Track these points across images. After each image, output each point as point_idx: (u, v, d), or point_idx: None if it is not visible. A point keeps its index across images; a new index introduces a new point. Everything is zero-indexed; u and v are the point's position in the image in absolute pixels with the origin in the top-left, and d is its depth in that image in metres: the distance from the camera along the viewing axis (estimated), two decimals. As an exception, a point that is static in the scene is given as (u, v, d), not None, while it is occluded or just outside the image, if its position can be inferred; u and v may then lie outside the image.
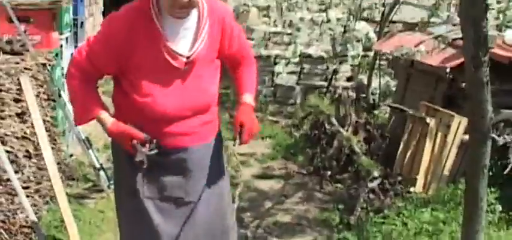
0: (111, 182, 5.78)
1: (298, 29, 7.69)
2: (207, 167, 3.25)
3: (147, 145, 3.02)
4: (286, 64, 8.06)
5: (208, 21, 3.08)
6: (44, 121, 5.17)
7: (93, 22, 9.40)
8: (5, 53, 5.47)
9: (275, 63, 9.10)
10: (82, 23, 7.54)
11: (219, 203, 3.33)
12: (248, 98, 3.31)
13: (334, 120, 7.03)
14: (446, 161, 5.83)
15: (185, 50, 3.03)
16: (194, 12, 3.05)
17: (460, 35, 4.53)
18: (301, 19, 7.45)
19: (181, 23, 3.03)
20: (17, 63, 5.08)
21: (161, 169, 3.16)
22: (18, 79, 4.90)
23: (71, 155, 6.20)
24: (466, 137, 5.47)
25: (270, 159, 7.19)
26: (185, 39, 3.04)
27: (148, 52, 3.00)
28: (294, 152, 7.29)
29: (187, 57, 3.03)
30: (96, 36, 3.14)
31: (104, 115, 3.11)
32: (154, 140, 3.03)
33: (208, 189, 3.27)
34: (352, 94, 7.93)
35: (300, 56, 8.47)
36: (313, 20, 8.10)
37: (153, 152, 3.02)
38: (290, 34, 8.96)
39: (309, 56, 9.35)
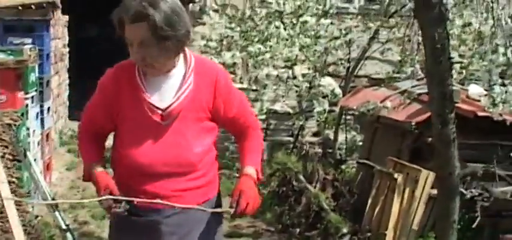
0: (78, 243, 5.71)
1: (264, 86, 7.72)
2: (186, 236, 3.12)
3: (119, 203, 2.96)
4: (256, 120, 8.05)
5: (194, 77, 3.06)
6: (10, 182, 5.09)
7: (59, 80, 9.35)
8: (-31, 114, 5.42)
9: (241, 120, 9.10)
10: (48, 81, 7.50)
11: None
12: (250, 170, 3.15)
13: (301, 177, 7.03)
14: (414, 216, 5.84)
15: (164, 104, 3.02)
16: (180, 68, 3.06)
17: (425, 90, 4.60)
18: (268, 76, 7.48)
19: (165, 78, 3.04)
20: (-18, 124, 5.02)
21: (136, 231, 3.09)
22: (-17, 141, 4.84)
23: (37, 216, 6.10)
24: (434, 191, 5.50)
25: (238, 218, 7.10)
26: (167, 94, 3.04)
27: (132, 106, 3.04)
28: (262, 209, 7.22)
29: (163, 110, 3.01)
30: (93, 95, 3.22)
31: (95, 164, 3.13)
32: (128, 204, 2.96)
33: None
34: (319, 150, 7.95)
35: (266, 112, 8.50)
36: (278, 76, 8.15)
37: (119, 210, 2.96)
38: (256, 90, 9.00)
39: (275, 112, 9.38)
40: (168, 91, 3.04)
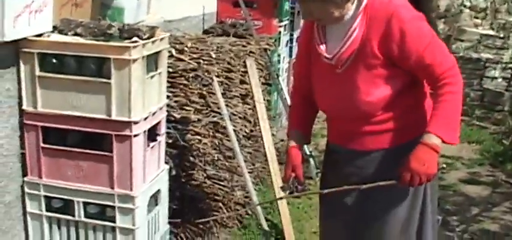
0: (319, 170, 5.91)
1: (516, 34, 7.42)
2: (363, 176, 3.02)
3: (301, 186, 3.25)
4: (503, 69, 7.79)
5: (366, 21, 2.88)
6: (261, 104, 5.36)
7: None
8: (227, 35, 5.74)
9: (485, 67, 8.87)
10: (298, 11, 7.70)
11: (377, 224, 3.13)
12: (428, 139, 2.80)
13: (547, 133, 6.75)
14: None
15: (334, 51, 2.96)
16: (353, 12, 2.92)
17: None
18: (520, 23, 7.18)
19: (340, 25, 2.94)
20: (244, 46, 5.30)
21: (329, 165, 3.34)
22: (244, 62, 5.11)
23: (282, 140, 6.36)
24: None
25: (477, 165, 7.01)
26: (339, 41, 2.94)
27: (315, 56, 3.07)
28: (503, 160, 7.06)
29: (330, 59, 2.97)
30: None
31: (294, 133, 3.30)
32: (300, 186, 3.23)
33: (364, 203, 3.11)
34: None
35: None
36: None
37: (290, 193, 3.26)
38: (502, 38, 8.68)
39: (519, 63, 9.02)
40: (340, 38, 2.93)
